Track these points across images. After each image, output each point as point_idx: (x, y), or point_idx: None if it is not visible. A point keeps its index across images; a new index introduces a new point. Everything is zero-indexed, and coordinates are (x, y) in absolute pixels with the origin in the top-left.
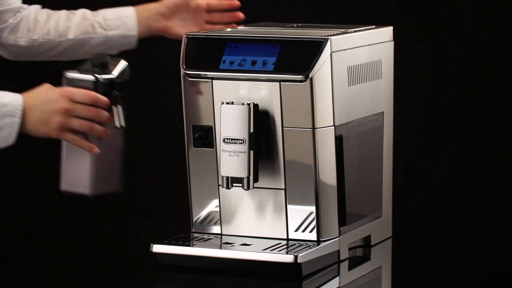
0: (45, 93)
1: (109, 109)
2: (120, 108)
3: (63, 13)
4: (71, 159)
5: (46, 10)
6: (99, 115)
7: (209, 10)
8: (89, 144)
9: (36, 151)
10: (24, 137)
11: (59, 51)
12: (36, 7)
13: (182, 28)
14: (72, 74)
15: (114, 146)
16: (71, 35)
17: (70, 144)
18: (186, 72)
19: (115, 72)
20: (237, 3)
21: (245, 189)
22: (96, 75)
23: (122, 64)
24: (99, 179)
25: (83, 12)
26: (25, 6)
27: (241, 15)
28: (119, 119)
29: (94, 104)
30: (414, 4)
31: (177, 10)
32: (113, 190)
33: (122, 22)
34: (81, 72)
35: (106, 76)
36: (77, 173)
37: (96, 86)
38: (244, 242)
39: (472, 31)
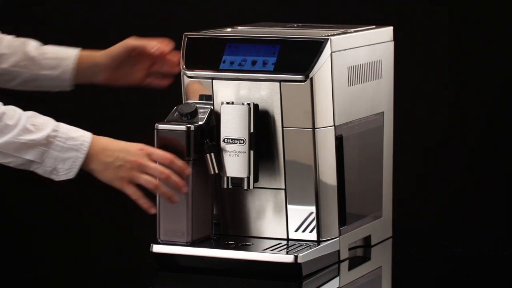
0: (126, 143)
1: (202, 157)
2: (213, 155)
3: (6, 38)
4: (168, 209)
5: None
6: (170, 180)
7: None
8: (148, 204)
9: None
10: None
11: None
12: None
13: (128, 77)
14: (163, 126)
15: (207, 192)
16: (3, 64)
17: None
18: (186, 72)
19: (204, 120)
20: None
21: (245, 189)
22: (187, 124)
23: (209, 110)
24: (196, 226)
25: (25, 43)
26: None
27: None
28: (212, 166)
29: (170, 166)
30: (414, 4)
31: (124, 60)
32: (207, 234)
33: (59, 64)
34: (171, 123)
35: (196, 124)
36: (175, 223)
37: (188, 135)
38: (244, 242)
39: (472, 31)
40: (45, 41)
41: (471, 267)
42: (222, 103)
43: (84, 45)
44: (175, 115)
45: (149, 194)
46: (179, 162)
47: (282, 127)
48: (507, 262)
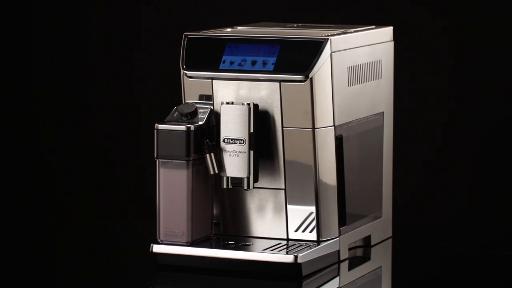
0: None
1: (202, 157)
2: (213, 155)
3: None
4: (168, 209)
5: None
6: None
7: None
8: None
9: (37, 152)
10: (27, 137)
11: None
12: None
13: None
14: (163, 126)
15: (207, 192)
16: None
17: (166, 195)
18: (186, 72)
19: (204, 120)
20: None
21: (245, 189)
22: (187, 124)
23: (208, 110)
24: (196, 226)
25: None
26: None
27: None
28: (212, 166)
29: None
30: (414, 4)
31: None
32: (207, 234)
33: None
34: (171, 123)
35: (196, 124)
36: (175, 223)
37: (188, 135)
38: (244, 242)
39: (472, 31)
40: (45, 42)
41: (471, 267)
42: (222, 103)
43: (84, 45)
44: (175, 115)
45: (149, 194)
46: None
47: (282, 127)
48: (507, 262)
